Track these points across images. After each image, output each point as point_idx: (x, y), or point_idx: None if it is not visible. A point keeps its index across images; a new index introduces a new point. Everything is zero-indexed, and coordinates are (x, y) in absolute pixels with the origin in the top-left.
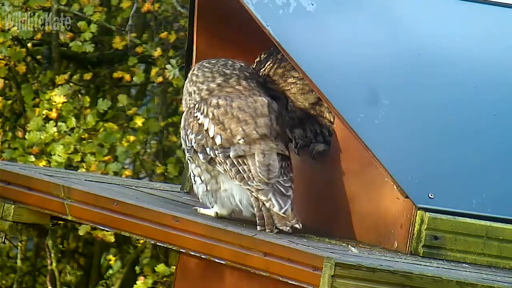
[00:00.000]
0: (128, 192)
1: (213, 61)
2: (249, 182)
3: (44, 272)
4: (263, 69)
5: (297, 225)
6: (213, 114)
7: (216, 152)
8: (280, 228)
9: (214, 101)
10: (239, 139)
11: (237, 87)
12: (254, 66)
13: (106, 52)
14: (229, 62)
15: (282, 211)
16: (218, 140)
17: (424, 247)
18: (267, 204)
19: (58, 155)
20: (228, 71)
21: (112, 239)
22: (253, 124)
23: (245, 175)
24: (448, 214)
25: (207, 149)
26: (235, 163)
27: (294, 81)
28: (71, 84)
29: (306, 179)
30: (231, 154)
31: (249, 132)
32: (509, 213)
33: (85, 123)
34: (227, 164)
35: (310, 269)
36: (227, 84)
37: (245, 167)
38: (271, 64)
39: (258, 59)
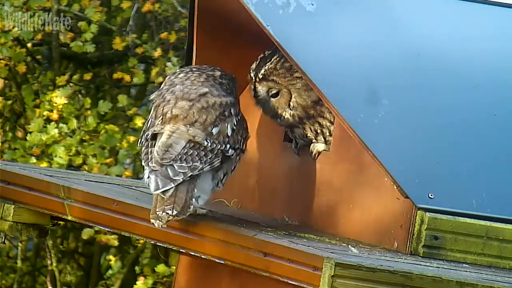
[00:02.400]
0: (128, 192)
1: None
2: (149, 163)
3: (44, 272)
4: (269, 62)
5: (169, 211)
6: (155, 101)
7: (141, 138)
8: (159, 215)
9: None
10: (159, 120)
11: (193, 79)
12: (257, 62)
13: (106, 52)
14: (206, 67)
15: (157, 191)
16: (147, 125)
17: (424, 247)
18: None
19: (60, 157)
20: (195, 69)
21: (115, 243)
22: (172, 105)
23: (149, 156)
24: (448, 214)
25: (143, 136)
26: (148, 145)
27: (300, 75)
28: (71, 84)
29: (306, 179)
30: (148, 135)
31: (165, 111)
32: (509, 213)
33: (85, 124)
34: (143, 147)
35: (310, 269)
36: (185, 77)
37: (153, 148)
38: (277, 58)
39: (262, 55)
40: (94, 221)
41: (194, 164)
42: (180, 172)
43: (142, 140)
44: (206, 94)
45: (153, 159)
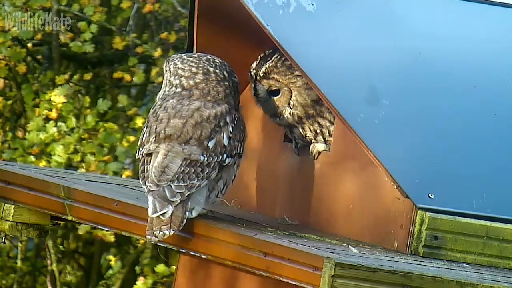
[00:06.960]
0: (128, 192)
1: (195, 56)
2: (146, 182)
3: (44, 272)
4: (270, 61)
5: (166, 231)
6: (149, 118)
7: (138, 151)
8: (155, 233)
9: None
10: (152, 138)
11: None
12: (258, 61)
13: (106, 52)
14: (211, 58)
15: (155, 214)
16: (142, 138)
17: (424, 247)
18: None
19: (58, 155)
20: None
21: (112, 238)
22: (165, 124)
23: (145, 175)
24: (448, 214)
25: (139, 150)
26: (144, 161)
27: (300, 74)
28: (71, 84)
29: (306, 179)
30: (143, 152)
31: (159, 131)
32: (509, 213)
33: (85, 123)
34: (140, 162)
35: (310, 269)
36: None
37: (148, 166)
38: (278, 57)
39: (262, 54)
40: (94, 221)
41: (191, 182)
42: (177, 192)
43: (139, 155)
44: (199, 108)
45: (149, 178)
